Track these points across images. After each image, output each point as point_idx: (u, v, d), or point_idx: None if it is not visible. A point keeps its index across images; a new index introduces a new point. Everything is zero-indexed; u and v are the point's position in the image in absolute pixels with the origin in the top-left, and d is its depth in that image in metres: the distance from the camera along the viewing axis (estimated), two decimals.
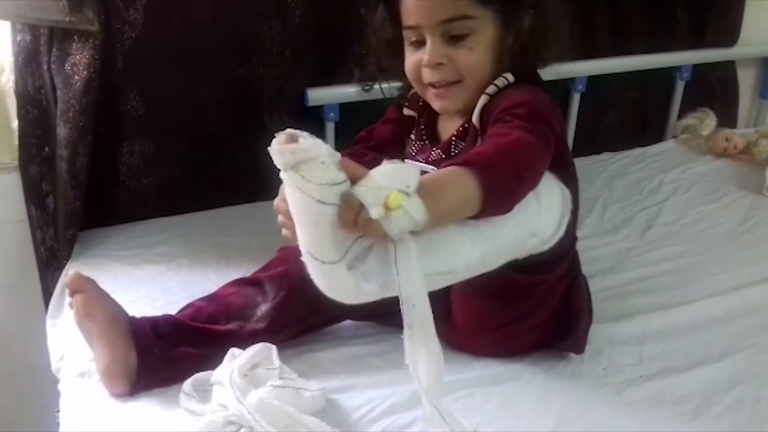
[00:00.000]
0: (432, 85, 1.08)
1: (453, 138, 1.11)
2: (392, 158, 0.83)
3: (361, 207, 0.76)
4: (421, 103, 1.18)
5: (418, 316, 0.82)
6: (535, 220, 0.99)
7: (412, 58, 1.08)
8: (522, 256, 1.01)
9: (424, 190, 0.78)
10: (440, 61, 1.05)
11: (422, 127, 1.19)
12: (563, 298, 1.11)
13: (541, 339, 1.13)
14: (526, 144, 0.92)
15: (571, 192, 1.12)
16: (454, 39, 1.03)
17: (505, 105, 1.00)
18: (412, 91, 1.19)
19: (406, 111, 1.23)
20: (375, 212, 0.75)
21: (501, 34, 1.05)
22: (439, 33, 1.03)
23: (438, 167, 0.93)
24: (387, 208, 0.75)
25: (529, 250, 1.01)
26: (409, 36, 1.08)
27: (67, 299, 1.10)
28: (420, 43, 1.06)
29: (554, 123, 1.00)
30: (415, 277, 0.81)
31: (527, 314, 1.10)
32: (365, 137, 1.24)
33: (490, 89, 1.05)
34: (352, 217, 0.76)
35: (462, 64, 1.04)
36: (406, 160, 1.16)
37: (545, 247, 1.02)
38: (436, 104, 1.11)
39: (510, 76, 1.05)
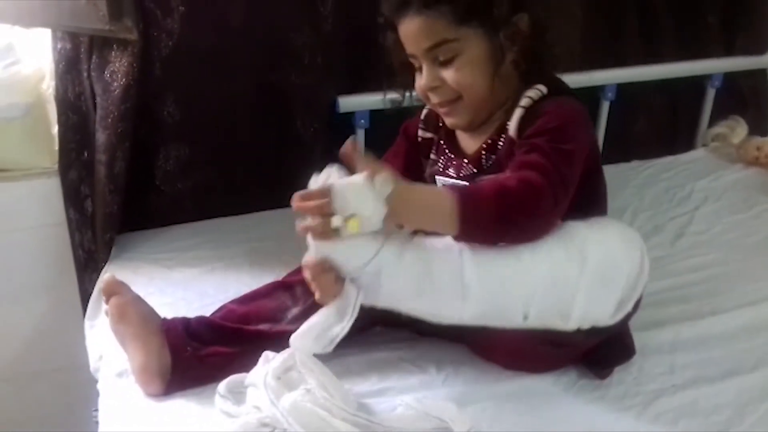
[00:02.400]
0: (437, 104, 1.11)
1: (483, 151, 1.13)
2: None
3: (329, 203, 0.87)
4: (441, 124, 1.20)
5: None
6: (566, 299, 0.97)
7: (418, 82, 1.11)
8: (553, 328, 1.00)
9: (402, 204, 0.89)
10: (434, 85, 1.08)
11: (444, 145, 1.21)
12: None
13: (575, 361, 1.13)
14: (529, 187, 0.93)
15: (600, 204, 1.13)
16: (445, 62, 1.06)
17: (535, 127, 1.01)
18: (427, 109, 1.22)
19: (423, 133, 1.25)
20: (336, 220, 0.88)
21: (492, 47, 1.05)
22: (430, 58, 1.07)
23: (471, 182, 1.03)
24: (347, 226, 0.88)
25: (561, 328, 0.99)
26: (413, 62, 1.11)
27: (104, 306, 1.13)
28: (421, 68, 1.09)
29: (582, 143, 1.01)
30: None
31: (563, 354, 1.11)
32: None
33: (525, 102, 1.06)
34: (323, 207, 0.87)
35: (453, 84, 1.07)
36: (437, 178, 1.19)
37: (596, 325, 1.01)
38: (447, 121, 1.15)
39: (543, 88, 1.06)
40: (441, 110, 1.13)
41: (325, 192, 0.89)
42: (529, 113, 1.05)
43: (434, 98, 1.10)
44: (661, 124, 2.11)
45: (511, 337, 1.01)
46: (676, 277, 1.42)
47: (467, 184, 1.09)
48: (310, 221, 0.89)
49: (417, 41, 1.06)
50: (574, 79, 1.74)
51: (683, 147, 2.12)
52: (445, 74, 1.06)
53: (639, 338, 1.19)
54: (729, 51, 2.09)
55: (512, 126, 1.06)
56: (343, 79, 1.67)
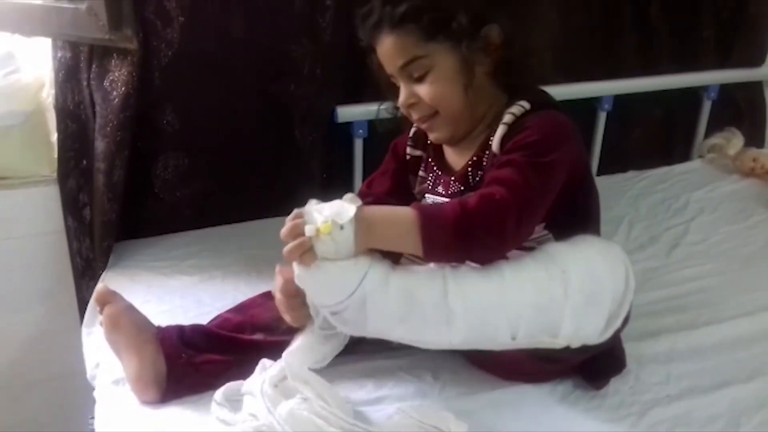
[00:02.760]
0: (418, 120, 1.14)
1: (469, 168, 1.13)
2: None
3: (303, 222, 0.92)
4: (429, 141, 1.21)
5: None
6: (554, 318, 0.98)
7: (399, 100, 1.13)
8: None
9: (366, 223, 0.93)
10: (411, 101, 1.10)
11: (432, 162, 1.22)
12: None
13: (571, 373, 1.13)
14: (490, 204, 0.94)
15: (591, 217, 1.14)
16: (419, 78, 1.08)
17: (514, 142, 1.03)
18: (416, 127, 1.22)
19: (411, 151, 1.25)
20: (308, 229, 0.91)
21: (461, 60, 1.06)
22: (405, 75, 1.09)
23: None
24: (319, 231, 0.91)
25: (551, 346, 1.01)
26: (393, 81, 1.13)
27: (98, 317, 1.14)
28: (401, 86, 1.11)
29: (562, 156, 1.01)
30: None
31: (557, 370, 1.12)
32: (364, 192, 1.26)
33: (507, 118, 1.06)
34: (295, 227, 0.92)
35: (427, 98, 1.08)
36: (426, 195, 1.21)
37: (587, 342, 1.02)
38: (430, 136, 1.17)
39: (526, 104, 1.07)
40: (422, 126, 1.15)
41: (298, 215, 0.94)
42: (512, 129, 1.05)
43: (414, 114, 1.13)
44: (657, 135, 2.13)
45: (504, 353, 1.02)
46: (672, 287, 1.43)
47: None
48: (288, 247, 0.93)
49: (391, 60, 1.08)
50: (570, 90, 1.78)
51: (679, 158, 2.14)
52: (419, 90, 1.08)
53: (635, 348, 1.19)
54: (725, 63, 2.11)
55: (495, 142, 1.07)
56: (341, 89, 1.68)
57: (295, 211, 0.95)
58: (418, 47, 1.06)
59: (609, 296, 1.01)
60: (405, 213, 0.96)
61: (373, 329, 1.00)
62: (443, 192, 1.18)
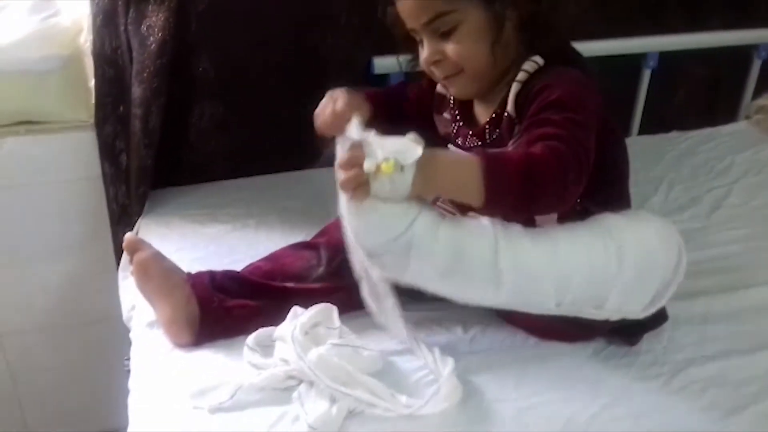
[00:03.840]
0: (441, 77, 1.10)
1: (486, 126, 1.10)
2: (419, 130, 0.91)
3: (363, 154, 0.86)
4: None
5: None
6: (602, 291, 0.97)
7: (421, 57, 1.08)
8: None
9: (429, 167, 0.87)
10: (436, 59, 1.06)
11: (456, 110, 1.18)
12: None
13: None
14: (555, 155, 0.91)
15: (622, 172, 1.12)
16: (444, 35, 1.03)
17: (539, 102, 0.98)
18: None
19: (441, 89, 1.21)
20: (368, 164, 0.85)
21: (490, 16, 1.02)
22: (430, 32, 1.04)
23: None
24: (378, 169, 0.85)
25: (593, 317, 1.00)
26: (414, 36, 1.09)
27: (129, 266, 1.15)
28: (423, 42, 1.07)
29: (589, 112, 0.98)
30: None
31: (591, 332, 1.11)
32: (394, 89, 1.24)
33: (521, 76, 1.03)
34: (354, 159, 0.86)
35: (454, 56, 1.04)
36: (449, 145, 1.17)
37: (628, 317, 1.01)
38: (450, 91, 1.14)
39: (539, 59, 1.03)
40: (444, 81, 1.11)
41: (359, 145, 0.88)
42: (526, 87, 1.02)
43: (437, 72, 1.08)
44: (702, 95, 2.06)
45: (539, 316, 1.01)
46: (711, 248, 1.40)
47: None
48: (344, 177, 0.88)
49: (415, 16, 1.04)
50: (614, 46, 1.72)
51: (725, 119, 2.06)
52: (445, 47, 1.04)
53: (670, 308, 1.16)
54: None
55: (510, 100, 1.04)
56: (379, 40, 1.65)
57: (362, 142, 0.89)
58: (445, 2, 1.01)
59: (659, 275, 0.99)
60: (468, 157, 0.92)
61: (411, 277, 0.97)
62: (461, 143, 1.15)
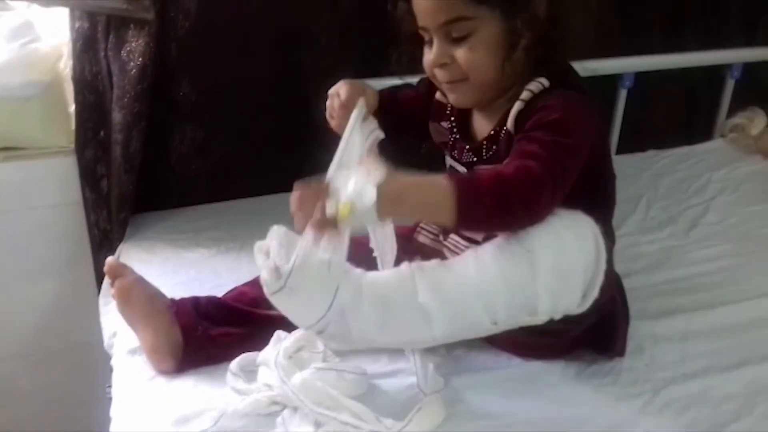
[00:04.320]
0: (443, 82, 1.10)
1: (485, 142, 1.11)
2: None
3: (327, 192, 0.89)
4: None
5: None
6: (529, 297, 0.97)
7: (426, 57, 1.09)
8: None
9: (395, 193, 0.89)
10: (444, 61, 1.06)
11: (454, 122, 1.18)
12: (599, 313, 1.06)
13: (580, 346, 1.13)
14: (527, 176, 0.92)
15: (608, 199, 1.13)
16: (457, 39, 1.03)
17: (535, 119, 1.00)
18: None
19: (440, 97, 1.20)
20: (329, 207, 0.89)
21: (507, 30, 1.03)
22: (443, 34, 1.04)
23: (469, 170, 1.04)
24: (339, 212, 0.88)
25: (534, 323, 0.99)
26: (423, 35, 1.09)
27: (110, 291, 1.14)
28: (431, 42, 1.07)
29: (582, 139, 0.99)
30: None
31: (564, 341, 1.11)
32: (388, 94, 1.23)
33: (525, 95, 1.04)
34: (317, 195, 0.90)
35: (463, 63, 1.04)
36: (446, 159, 1.19)
37: (568, 313, 1.00)
38: (450, 98, 1.13)
39: (545, 81, 1.04)
40: (445, 86, 1.11)
41: (321, 188, 0.91)
42: (529, 107, 1.03)
43: (441, 76, 1.08)
44: (678, 114, 2.09)
45: (510, 333, 1.02)
46: (689, 267, 1.42)
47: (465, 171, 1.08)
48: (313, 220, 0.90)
49: (432, 15, 1.03)
50: (591, 67, 1.73)
51: (700, 137, 2.10)
52: (456, 52, 1.04)
53: (650, 326, 1.19)
54: (750, 41, 2.06)
55: (510, 118, 1.05)
56: (359, 63, 1.66)
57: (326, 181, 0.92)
58: (467, 7, 1.01)
59: (580, 267, 0.97)
60: (438, 181, 0.93)
61: (358, 339, 1.01)
62: (458, 156, 1.16)
